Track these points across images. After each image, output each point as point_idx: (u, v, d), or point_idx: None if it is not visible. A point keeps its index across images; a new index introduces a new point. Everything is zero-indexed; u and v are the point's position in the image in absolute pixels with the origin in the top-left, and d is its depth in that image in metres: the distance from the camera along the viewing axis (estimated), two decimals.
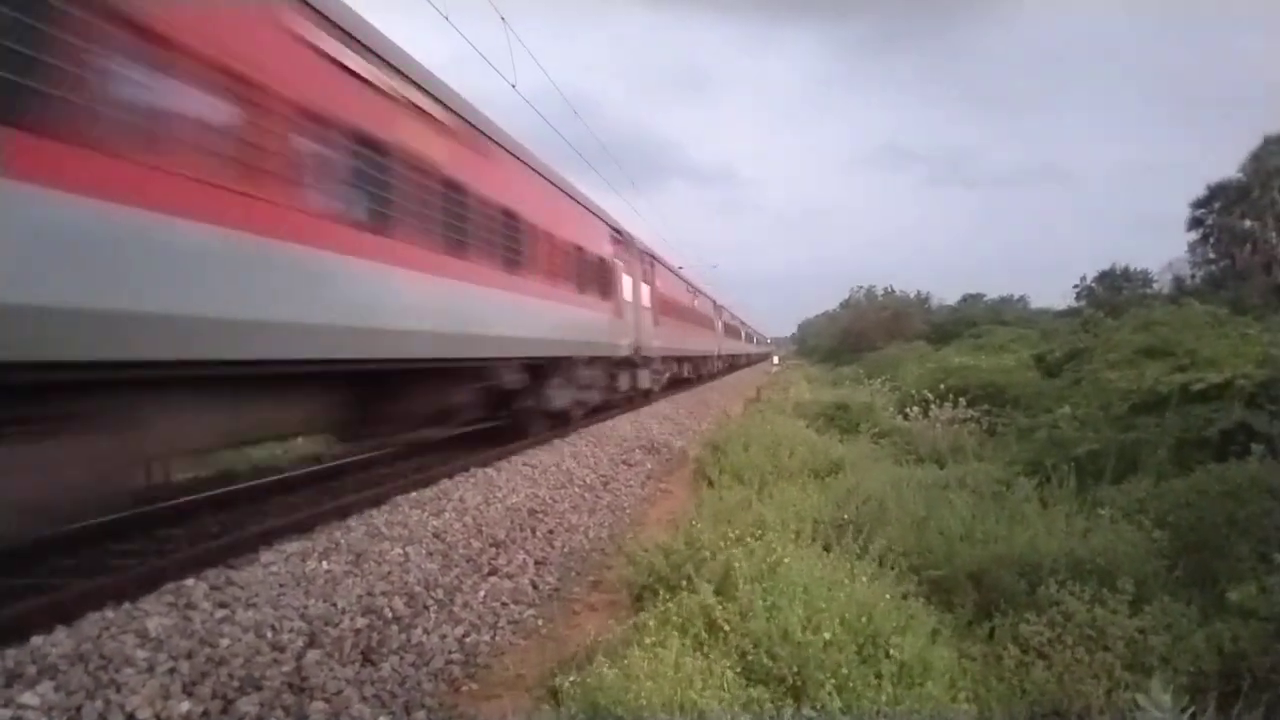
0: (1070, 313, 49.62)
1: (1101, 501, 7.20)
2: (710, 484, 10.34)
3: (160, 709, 3.95)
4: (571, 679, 3.88)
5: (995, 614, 5.35)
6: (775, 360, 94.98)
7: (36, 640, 4.34)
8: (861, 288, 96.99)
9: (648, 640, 4.39)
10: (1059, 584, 5.23)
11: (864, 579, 5.40)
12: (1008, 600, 5.46)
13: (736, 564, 5.43)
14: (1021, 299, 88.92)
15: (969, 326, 53.31)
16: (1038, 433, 10.89)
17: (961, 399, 14.99)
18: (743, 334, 70.27)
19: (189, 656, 4.37)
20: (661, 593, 5.47)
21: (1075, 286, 70.02)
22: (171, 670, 4.23)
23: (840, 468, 10.69)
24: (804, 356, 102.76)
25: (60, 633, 4.48)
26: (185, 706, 4.02)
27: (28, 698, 3.80)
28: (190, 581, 5.40)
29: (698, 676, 3.71)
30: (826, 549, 6.49)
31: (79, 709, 3.81)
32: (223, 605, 5.07)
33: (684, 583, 5.46)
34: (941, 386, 16.02)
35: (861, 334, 73.05)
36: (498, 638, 6.00)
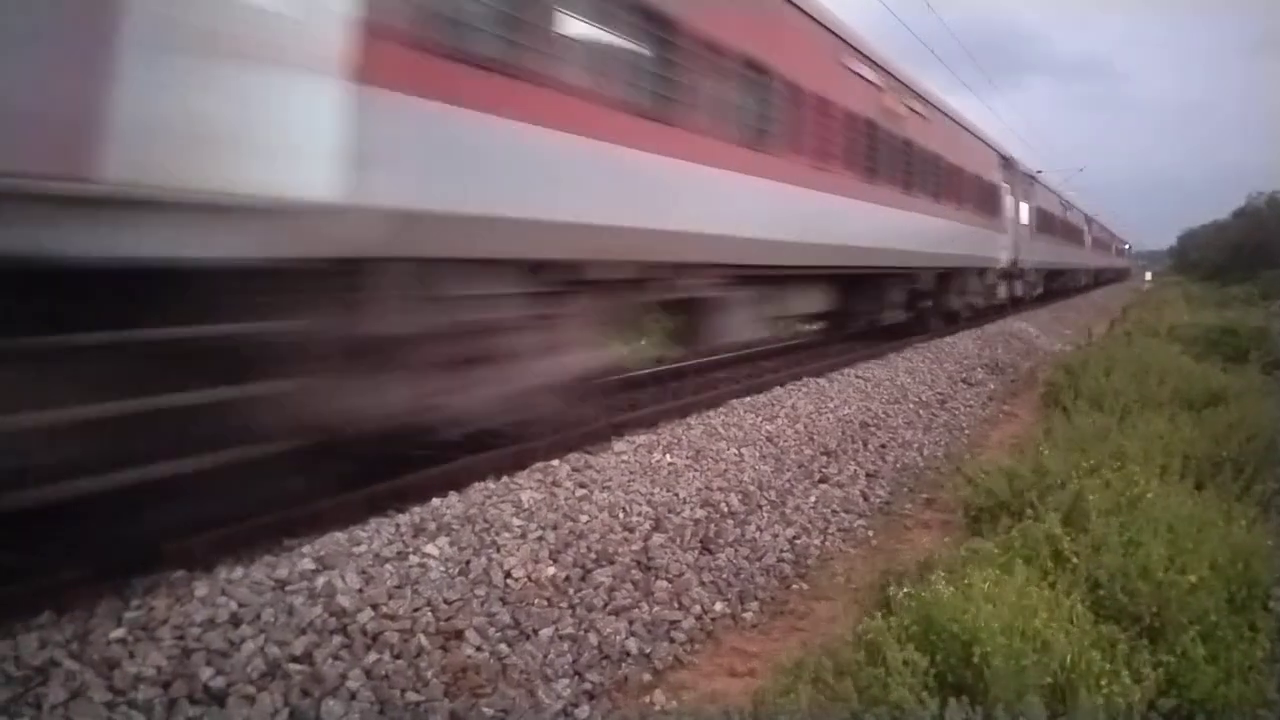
0: None
1: None
2: (1063, 409, 9.60)
3: (531, 570, 4.51)
4: (905, 590, 3.88)
5: None
6: (1148, 276, 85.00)
7: (435, 502, 5.11)
8: (1261, 194, 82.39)
9: (986, 563, 4.27)
10: None
11: (1243, 522, 4.83)
12: None
13: (1091, 495, 5.06)
14: None
15: None
16: None
17: None
18: (1113, 247, 66.10)
19: (554, 528, 4.93)
20: (1003, 518, 5.25)
21: None
22: (540, 538, 4.80)
23: (1221, 400, 9.43)
24: (1183, 273, 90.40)
25: (453, 497, 5.22)
26: (551, 571, 4.56)
27: (430, 548, 4.49)
28: (555, 462, 6.04)
29: (1042, 606, 3.56)
30: (1199, 487, 5.84)
31: (467, 563, 4.44)
32: (582, 486, 5.63)
33: (1028, 510, 5.19)
34: None
35: (1258, 248, 62.55)
36: (827, 543, 6.13)
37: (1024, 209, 24.96)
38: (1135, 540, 4.37)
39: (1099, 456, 6.22)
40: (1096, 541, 4.45)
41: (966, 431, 10.26)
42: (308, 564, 4.07)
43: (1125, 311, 30.94)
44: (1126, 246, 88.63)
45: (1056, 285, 35.08)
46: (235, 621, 3.55)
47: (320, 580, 3.94)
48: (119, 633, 3.33)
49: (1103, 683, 3.18)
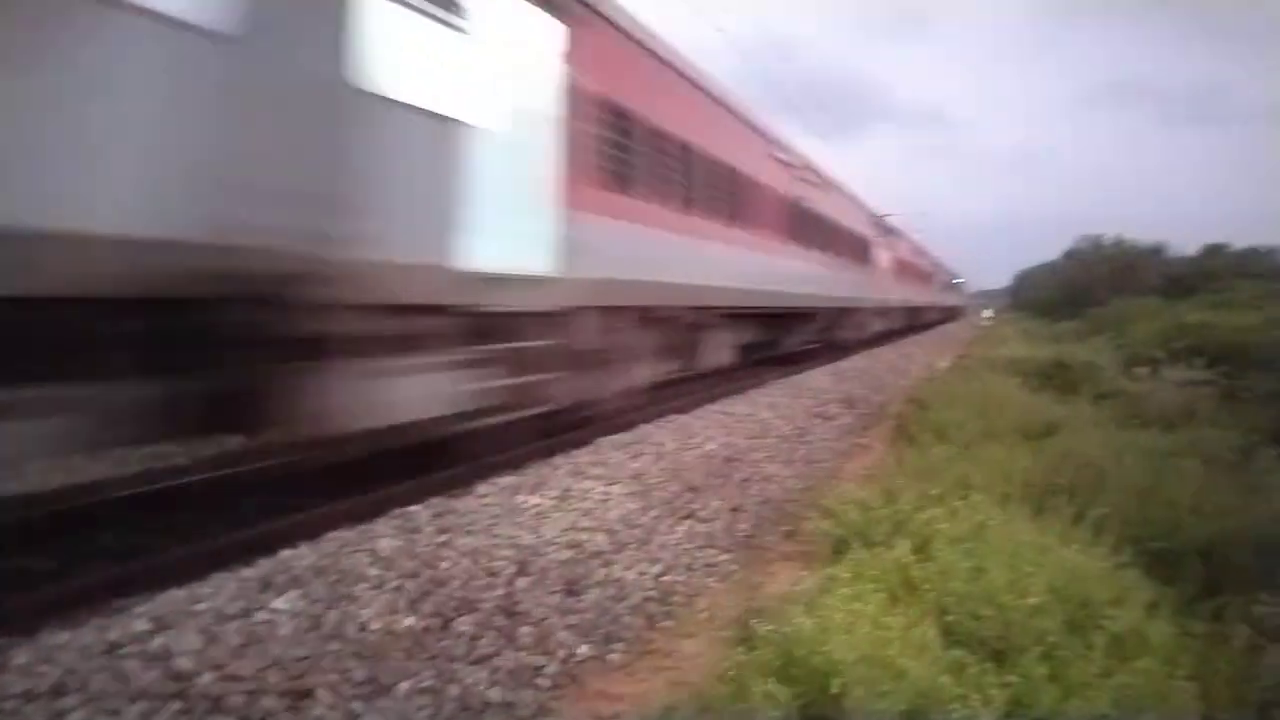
0: None
1: None
2: (911, 441, 10.05)
3: (389, 622, 4.34)
4: (768, 627, 3.94)
5: (1224, 592, 4.96)
6: (987, 314, 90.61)
7: (285, 553, 4.87)
8: (1087, 237, 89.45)
9: (843, 593, 4.38)
10: None
11: (1076, 546, 5.14)
12: (1240, 578, 5.05)
13: (939, 524, 5.29)
14: (1272, 251, 79.25)
15: (1209, 280, 48.51)
16: None
17: (1197, 359, 13.76)
18: (936, 280, 55.30)
19: (414, 576, 4.77)
20: (856, 547, 5.42)
21: None
22: (398, 588, 4.63)
23: (1055, 430, 10.10)
24: (1019, 310, 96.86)
25: (304, 548, 4.99)
26: (410, 621, 4.39)
27: (278, 603, 4.27)
28: (415, 507, 5.87)
29: (896, 635, 3.68)
30: (1036, 514, 6.20)
31: (319, 617, 4.24)
32: (443, 531, 5.48)
33: (881, 539, 5.38)
34: (1174, 345, 14.77)
35: (1085, 287, 67.83)
36: (693, 579, 6.16)
37: (618, 133, 9.52)
38: (980, 566, 4.59)
39: (946, 485, 6.53)
40: (944, 568, 4.65)
41: (824, 464, 10.57)
42: (143, 625, 3.81)
43: (969, 347, 32.80)
44: (960, 281, 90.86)
45: (794, 343, 19.72)
46: (58, 691, 3.26)
47: (156, 641, 3.68)
48: None
49: (954, 707, 3.31)
